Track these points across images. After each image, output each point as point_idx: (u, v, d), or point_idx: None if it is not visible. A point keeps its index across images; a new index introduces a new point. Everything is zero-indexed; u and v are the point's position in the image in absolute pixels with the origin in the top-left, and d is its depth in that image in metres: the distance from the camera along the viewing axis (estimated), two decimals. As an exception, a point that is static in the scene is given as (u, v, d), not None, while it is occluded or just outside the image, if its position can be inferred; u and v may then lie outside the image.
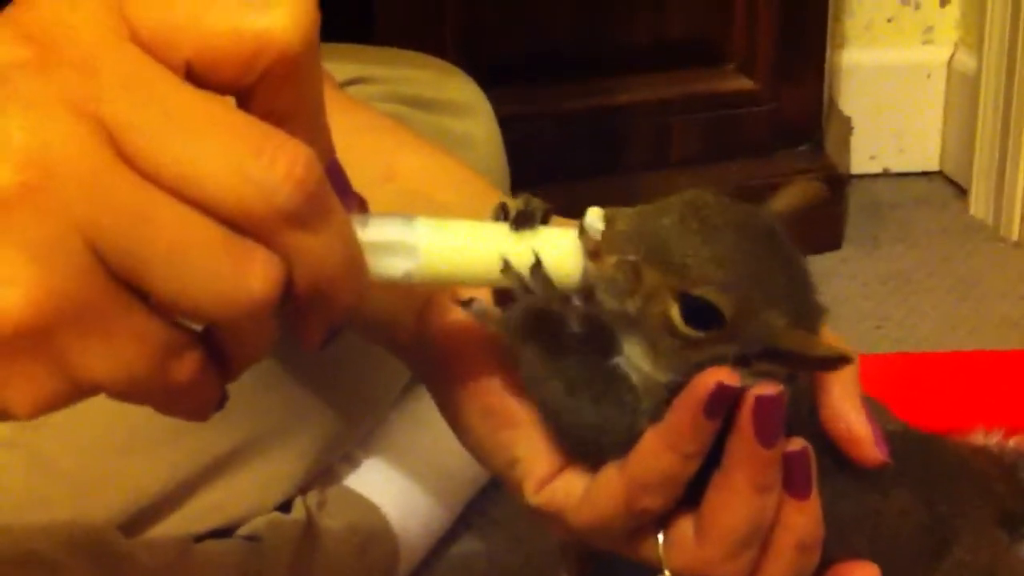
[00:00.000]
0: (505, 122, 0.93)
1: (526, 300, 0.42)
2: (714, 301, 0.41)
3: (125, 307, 0.32)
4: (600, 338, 0.44)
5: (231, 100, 0.34)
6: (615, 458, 0.45)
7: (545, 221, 0.42)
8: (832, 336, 0.46)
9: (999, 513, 0.59)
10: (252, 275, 0.32)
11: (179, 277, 0.32)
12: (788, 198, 0.46)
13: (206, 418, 0.36)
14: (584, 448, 0.46)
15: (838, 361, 0.42)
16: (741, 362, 0.43)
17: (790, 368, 0.43)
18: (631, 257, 0.42)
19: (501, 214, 0.42)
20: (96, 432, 0.71)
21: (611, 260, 0.42)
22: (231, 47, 0.33)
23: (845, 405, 0.46)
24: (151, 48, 0.32)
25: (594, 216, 0.42)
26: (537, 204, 0.42)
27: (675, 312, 0.42)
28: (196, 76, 0.33)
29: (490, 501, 0.97)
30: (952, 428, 0.63)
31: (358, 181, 0.39)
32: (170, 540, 0.71)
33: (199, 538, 0.73)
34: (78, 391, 0.33)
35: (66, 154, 0.31)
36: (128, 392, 0.33)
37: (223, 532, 0.75)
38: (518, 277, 0.41)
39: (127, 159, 0.31)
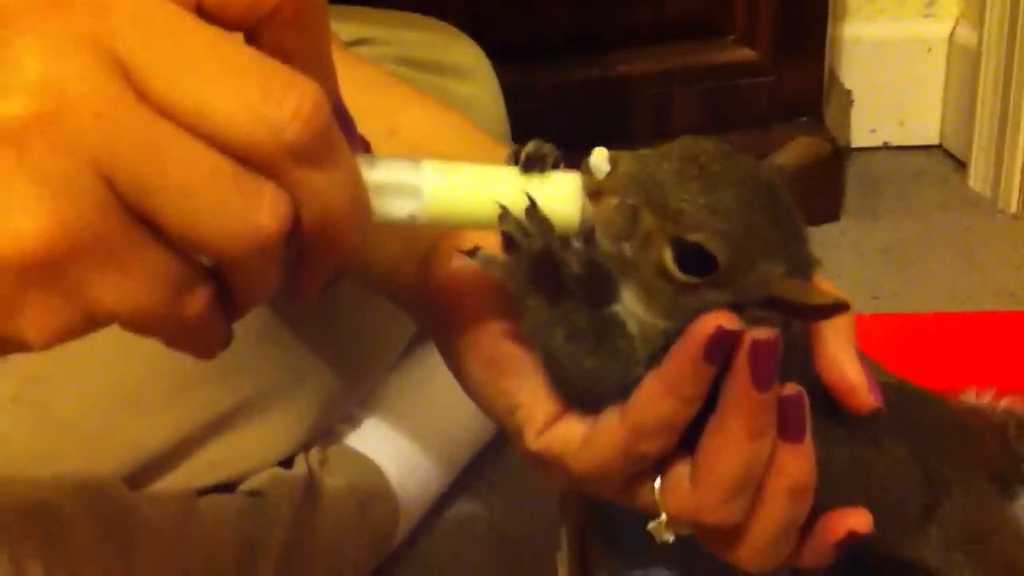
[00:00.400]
0: (508, 93, 0.93)
1: (526, 244, 0.43)
2: (708, 247, 0.42)
3: (138, 240, 0.33)
4: (599, 283, 0.44)
5: (240, 36, 0.35)
6: (610, 404, 0.45)
7: (556, 166, 0.43)
8: (826, 283, 0.46)
9: (990, 470, 0.60)
10: (261, 209, 0.33)
11: (190, 210, 0.32)
12: (791, 153, 0.46)
13: (214, 355, 0.37)
14: (581, 396, 0.46)
15: (834, 308, 0.42)
16: (735, 309, 0.43)
17: (786, 316, 0.43)
18: (631, 200, 0.42)
19: (513, 158, 0.42)
20: (102, 388, 0.71)
21: (612, 202, 0.42)
22: None
23: (840, 354, 0.47)
24: None
25: (599, 157, 0.42)
26: (549, 149, 0.42)
27: (669, 256, 0.42)
28: (206, 12, 0.34)
29: (488, 464, 0.98)
30: (944, 388, 0.64)
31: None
32: (174, 494, 0.72)
33: (202, 492, 0.74)
34: (92, 322, 0.33)
35: (81, 87, 0.31)
36: (140, 324, 0.34)
37: (226, 487, 0.76)
38: (515, 221, 0.42)
39: (140, 94, 0.32)
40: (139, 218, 0.33)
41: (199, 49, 0.32)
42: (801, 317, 0.44)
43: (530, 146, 0.42)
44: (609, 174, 0.42)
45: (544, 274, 0.44)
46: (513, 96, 0.94)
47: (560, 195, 0.42)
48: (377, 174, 0.40)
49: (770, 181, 0.44)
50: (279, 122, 0.32)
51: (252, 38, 0.35)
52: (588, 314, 0.45)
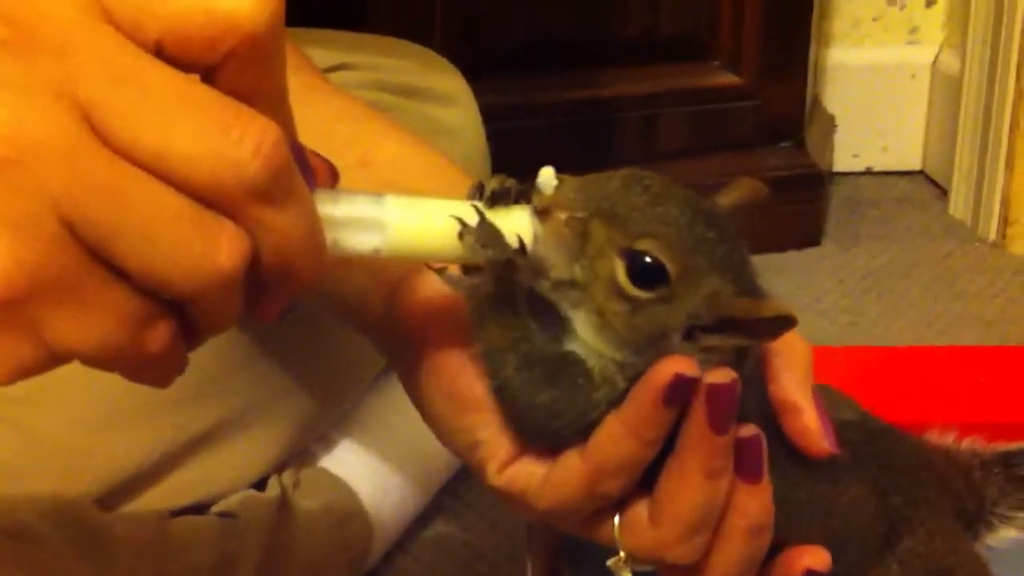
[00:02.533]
0: (494, 112, 0.94)
1: (483, 256, 0.42)
2: (658, 256, 0.42)
3: (99, 279, 0.33)
4: (553, 321, 0.45)
5: (197, 78, 0.35)
6: (569, 443, 0.46)
7: (518, 201, 0.43)
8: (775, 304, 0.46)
9: (954, 508, 0.60)
10: (220, 248, 0.34)
11: (151, 250, 0.33)
12: (734, 194, 0.47)
13: (168, 384, 0.37)
14: (537, 431, 0.46)
15: (783, 321, 0.42)
16: (688, 335, 0.43)
17: (739, 337, 0.44)
18: (580, 214, 0.42)
19: (477, 192, 0.43)
20: (79, 407, 0.72)
21: (561, 216, 0.42)
22: (199, 27, 0.34)
23: (795, 396, 0.47)
24: (124, 28, 0.33)
25: (548, 175, 0.43)
26: (512, 184, 0.43)
27: (620, 270, 0.43)
28: (165, 54, 0.34)
29: (464, 485, 0.98)
30: (913, 421, 0.64)
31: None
32: (148, 514, 0.73)
33: (175, 514, 0.74)
34: (53, 359, 0.34)
35: (43, 132, 0.32)
36: (102, 360, 0.34)
37: (198, 509, 0.76)
38: (473, 234, 0.42)
39: (102, 137, 0.33)
40: (100, 258, 0.33)
41: (159, 90, 0.33)
42: (753, 337, 0.44)
43: (493, 181, 0.43)
44: (557, 189, 0.43)
45: (503, 297, 0.44)
46: (500, 114, 0.95)
47: (520, 227, 0.43)
48: (341, 209, 0.40)
49: (713, 207, 0.45)
50: (240, 160, 0.33)
51: (209, 79, 0.35)
52: (545, 345, 0.45)
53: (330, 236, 0.40)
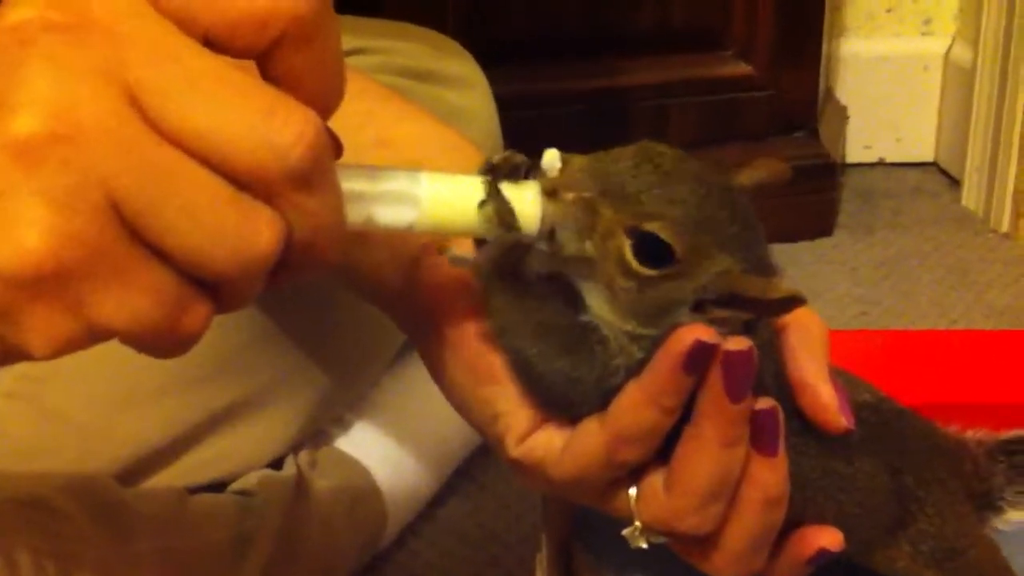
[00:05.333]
0: (505, 101, 0.94)
1: (495, 238, 0.43)
2: (663, 236, 0.43)
3: (141, 259, 0.34)
4: (567, 291, 0.45)
5: (251, 64, 0.36)
6: (587, 412, 0.46)
7: (528, 176, 0.44)
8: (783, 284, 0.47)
9: (966, 491, 0.60)
10: (260, 232, 0.34)
11: (192, 231, 0.34)
12: (754, 174, 0.47)
13: (180, 355, 0.38)
14: (555, 400, 0.46)
15: (791, 301, 0.43)
16: (697, 308, 0.44)
17: (747, 312, 0.44)
18: (587, 194, 0.43)
19: (486, 167, 0.43)
20: (97, 385, 0.73)
21: (568, 197, 0.43)
22: (247, 14, 0.35)
23: (813, 373, 0.48)
24: (174, 16, 0.34)
25: (552, 157, 0.43)
26: (520, 159, 0.44)
27: (627, 248, 0.43)
28: (214, 42, 0.35)
29: (477, 467, 0.99)
30: (925, 403, 0.65)
31: (352, 145, 0.41)
32: (166, 490, 0.73)
33: (193, 491, 0.75)
34: (93, 336, 0.35)
35: (92, 112, 0.33)
36: (139, 339, 0.35)
37: (216, 487, 0.77)
38: (493, 214, 0.42)
39: (148, 119, 0.33)
40: (141, 238, 0.34)
41: (205, 75, 0.34)
42: (760, 313, 0.45)
43: (500, 157, 0.44)
44: (562, 170, 0.43)
45: (510, 272, 0.44)
46: (509, 103, 0.95)
47: (533, 203, 0.43)
48: (379, 186, 0.41)
49: (727, 183, 0.45)
50: (283, 146, 0.34)
51: (261, 63, 0.36)
52: (559, 313, 0.45)
53: (365, 211, 0.41)
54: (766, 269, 0.45)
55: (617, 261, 0.43)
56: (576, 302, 0.45)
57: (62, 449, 0.71)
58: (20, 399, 0.72)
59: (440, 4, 1.28)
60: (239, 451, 0.77)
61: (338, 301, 0.79)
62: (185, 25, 0.35)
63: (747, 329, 0.45)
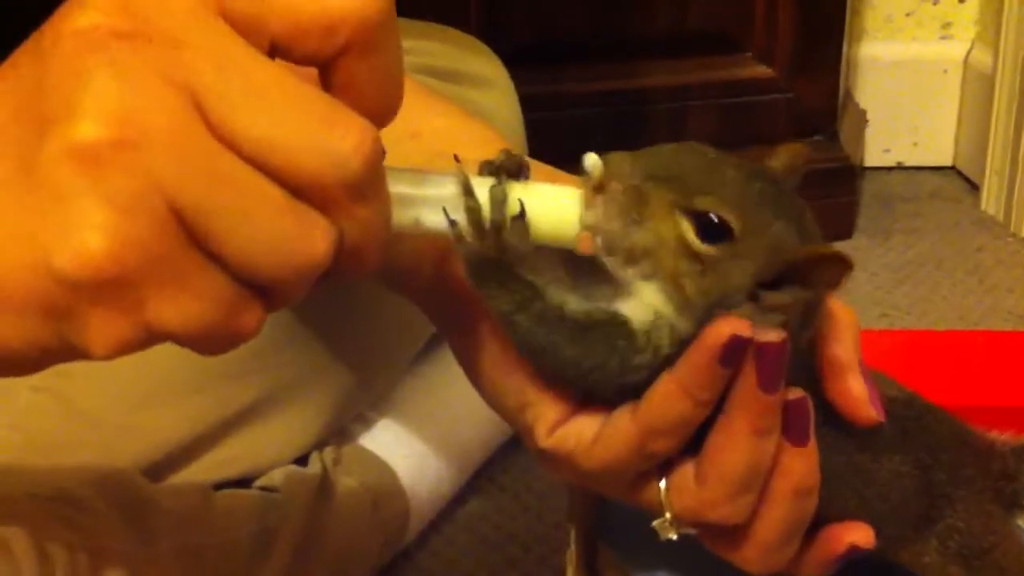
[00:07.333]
0: (526, 101, 0.94)
1: (465, 247, 0.44)
2: (720, 212, 0.43)
3: (199, 264, 0.35)
4: (594, 284, 0.45)
5: (309, 71, 0.37)
6: (615, 402, 0.46)
7: (518, 175, 0.44)
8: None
9: (994, 491, 0.60)
10: (315, 240, 0.35)
11: (250, 240, 0.34)
12: (781, 158, 0.47)
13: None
14: (572, 387, 0.47)
15: (843, 264, 0.43)
16: (752, 297, 0.44)
17: (800, 290, 0.44)
18: (635, 181, 0.43)
19: (486, 169, 0.44)
20: (124, 381, 0.73)
21: (617, 187, 0.43)
22: (314, 19, 0.36)
23: (844, 365, 0.48)
24: (240, 24, 0.35)
25: (592, 159, 0.43)
26: (520, 158, 0.44)
27: (687, 227, 0.43)
28: (279, 46, 0.36)
29: (498, 467, 0.99)
30: (951, 404, 0.64)
31: (383, 137, 0.41)
32: (192, 486, 0.74)
33: (218, 487, 0.75)
34: (151, 338, 0.35)
35: (156, 118, 0.33)
36: (195, 341, 0.36)
37: (241, 483, 0.77)
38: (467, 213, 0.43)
39: (210, 126, 0.34)
40: (199, 243, 0.34)
41: (267, 84, 0.34)
42: (813, 286, 0.44)
43: (501, 156, 0.44)
44: (606, 165, 0.43)
45: (499, 261, 0.44)
46: (531, 104, 0.95)
47: (568, 211, 0.44)
48: (425, 190, 0.42)
49: (767, 169, 0.45)
50: (342, 156, 0.35)
51: (326, 72, 0.37)
52: (565, 304, 0.45)
53: (412, 214, 0.42)
54: (818, 239, 0.45)
55: (676, 244, 0.43)
56: (614, 292, 0.45)
57: (86, 444, 0.71)
58: (45, 392, 0.72)
59: (462, 7, 1.28)
60: (263, 448, 0.77)
61: (361, 300, 0.79)
62: (253, 29, 0.35)
63: (803, 321, 0.45)
